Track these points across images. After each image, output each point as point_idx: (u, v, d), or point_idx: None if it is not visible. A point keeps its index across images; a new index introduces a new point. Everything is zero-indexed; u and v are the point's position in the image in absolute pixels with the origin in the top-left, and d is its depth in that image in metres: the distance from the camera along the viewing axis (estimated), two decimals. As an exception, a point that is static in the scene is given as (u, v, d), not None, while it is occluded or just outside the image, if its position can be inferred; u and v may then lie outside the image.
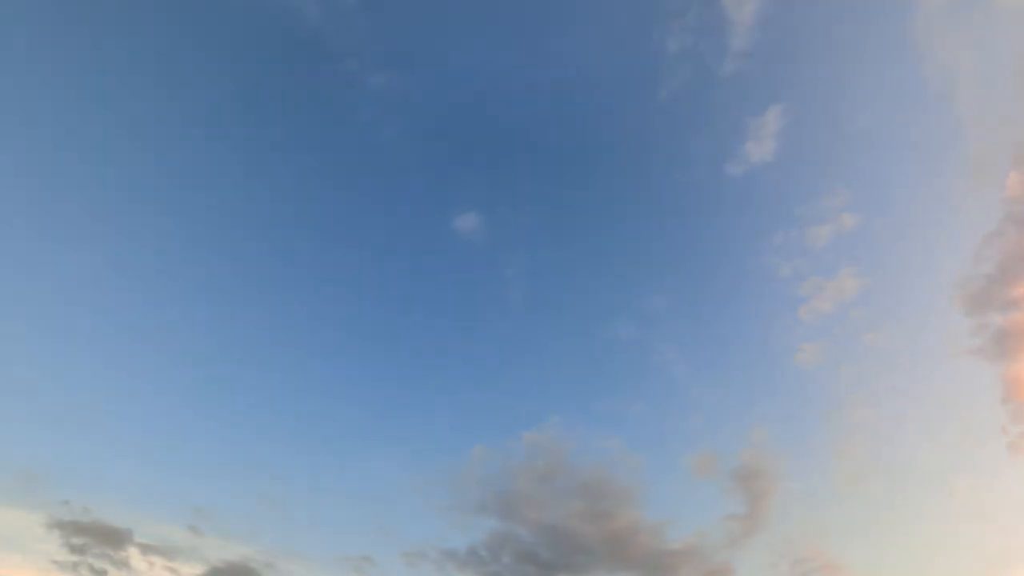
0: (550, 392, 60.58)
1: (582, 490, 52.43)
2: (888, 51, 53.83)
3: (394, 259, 64.58)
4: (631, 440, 55.66)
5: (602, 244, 64.82)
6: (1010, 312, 46.22)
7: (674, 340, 59.86)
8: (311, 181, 62.72)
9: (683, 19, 55.75)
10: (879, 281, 55.70)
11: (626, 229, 64.29)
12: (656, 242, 64.49)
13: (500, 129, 63.30)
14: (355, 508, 54.88)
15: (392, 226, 63.64)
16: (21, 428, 46.04)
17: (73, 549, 43.29)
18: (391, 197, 63.73)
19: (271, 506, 51.98)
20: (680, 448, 56.06)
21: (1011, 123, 47.16)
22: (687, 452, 55.74)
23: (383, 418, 59.23)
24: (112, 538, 44.36)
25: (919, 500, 50.72)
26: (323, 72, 59.45)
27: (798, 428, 57.36)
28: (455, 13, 57.36)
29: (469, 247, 61.45)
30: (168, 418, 53.67)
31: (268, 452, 55.66)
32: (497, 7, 58.28)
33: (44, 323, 50.78)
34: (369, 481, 56.51)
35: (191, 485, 51.07)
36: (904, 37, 52.11)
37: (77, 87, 52.30)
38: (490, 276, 62.96)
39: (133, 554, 44.91)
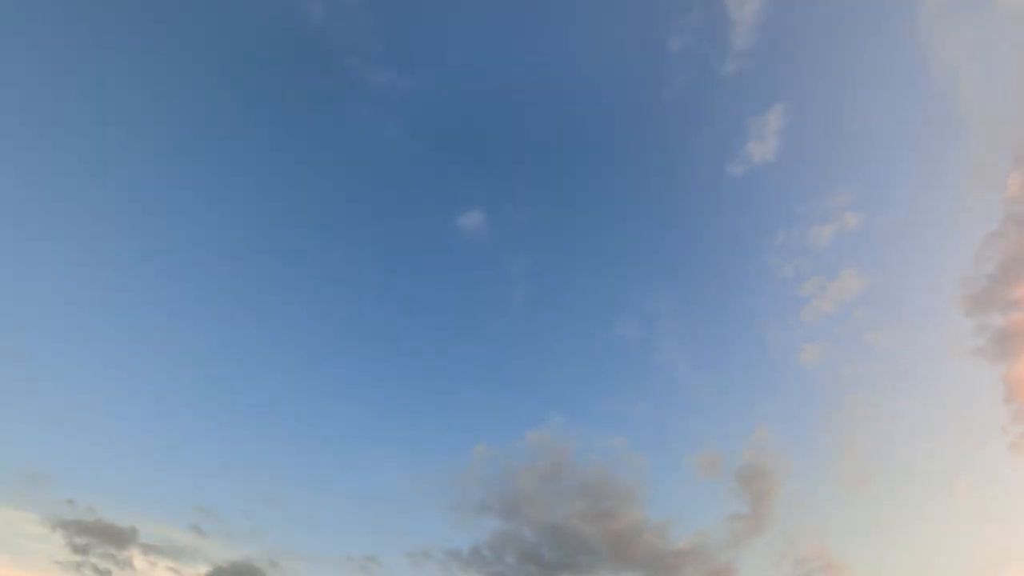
0: (553, 391, 60.78)
1: (585, 490, 52.62)
2: (890, 51, 53.98)
3: (397, 258, 64.72)
4: (634, 440, 55.80)
5: (604, 243, 64.97)
6: (1011, 312, 46.37)
7: (676, 339, 60.10)
8: (313, 180, 62.77)
9: (685, 18, 55.88)
10: (881, 281, 55.90)
11: (628, 228, 64.48)
12: (658, 242, 64.72)
13: (503, 128, 63.41)
14: (359, 508, 55.07)
15: (395, 225, 63.73)
16: (25, 428, 46.18)
17: (76, 549, 43.46)
18: (393, 196, 63.81)
19: (275, 506, 52.09)
20: (683, 448, 56.25)
21: (1013, 123, 47.28)
22: (690, 452, 55.96)
23: (386, 418, 59.45)
24: (116, 538, 44.51)
25: (921, 500, 51.03)
26: (325, 70, 59.44)
27: (800, 428, 57.64)
28: (457, 11, 57.40)
29: (472, 246, 61.58)
30: (171, 418, 53.86)
31: (272, 452, 55.86)
32: (500, 5, 58.35)
33: (47, 324, 50.83)
34: (372, 481, 56.76)
35: (194, 485, 51.23)
36: (906, 37, 52.29)
37: (77, 87, 52.27)
38: (493, 275, 63.13)
39: (136, 554, 45.08)
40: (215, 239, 59.14)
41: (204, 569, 45.98)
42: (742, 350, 61.06)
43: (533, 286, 62.51)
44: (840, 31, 54.25)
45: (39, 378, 48.65)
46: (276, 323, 61.15)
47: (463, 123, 62.67)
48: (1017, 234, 45.90)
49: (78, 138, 52.55)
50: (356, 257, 63.84)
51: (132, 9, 52.61)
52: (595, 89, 60.54)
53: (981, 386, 49.53)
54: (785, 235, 57.91)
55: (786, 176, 58.16)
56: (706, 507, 55.15)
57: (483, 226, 60.32)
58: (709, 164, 60.12)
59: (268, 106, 59.94)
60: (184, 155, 57.04)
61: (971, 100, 50.52)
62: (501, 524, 51.80)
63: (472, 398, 59.93)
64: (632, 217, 64.09)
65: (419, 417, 59.76)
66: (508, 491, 52.78)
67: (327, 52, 57.85)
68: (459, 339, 63.44)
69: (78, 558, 43.19)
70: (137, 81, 54.17)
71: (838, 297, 54.58)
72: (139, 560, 44.98)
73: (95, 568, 43.46)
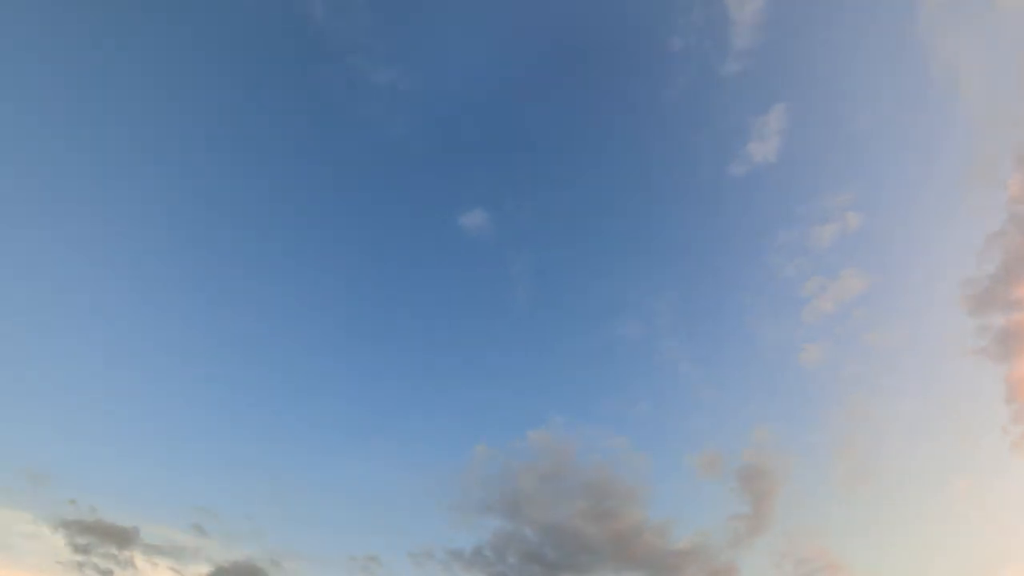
0: (555, 391, 60.77)
1: (587, 489, 52.65)
2: (892, 50, 53.94)
3: (399, 257, 64.67)
4: (635, 439, 55.72)
5: (606, 243, 64.93)
6: (1013, 312, 46.38)
7: (677, 339, 60.04)
8: (315, 178, 62.69)
9: (686, 18, 55.80)
10: (882, 281, 55.83)
11: (629, 228, 64.40)
12: (660, 241, 64.63)
13: (505, 127, 63.38)
14: (360, 507, 55.04)
15: (396, 223, 63.72)
16: (26, 428, 46.22)
17: (77, 549, 43.49)
18: (395, 194, 63.80)
19: (277, 506, 52.15)
20: (684, 447, 56.21)
21: (1015, 123, 47.21)
22: (691, 451, 55.90)
23: (388, 417, 59.37)
24: (117, 538, 44.51)
25: (922, 500, 51.06)
26: (328, 68, 59.22)
27: (801, 428, 57.54)
28: (460, 9, 57.25)
29: (474, 245, 61.49)
30: (173, 418, 53.88)
31: (273, 452, 55.80)
32: (502, 4, 58.31)
33: (48, 324, 50.81)
34: (374, 480, 56.66)
35: (196, 485, 51.29)
36: (908, 36, 52.21)
37: (79, 86, 52.21)
38: (495, 274, 63.06)
39: (138, 554, 45.08)
40: (217, 239, 59.24)
41: (206, 569, 46.08)
42: (743, 350, 61.11)
43: (535, 285, 62.60)
44: (841, 31, 54.25)
45: (40, 378, 48.76)
46: (278, 322, 61.28)
47: (465, 122, 62.78)
48: (1019, 234, 45.94)
49: (80, 137, 52.66)
50: (358, 256, 63.98)
51: (134, 8, 52.67)
52: (597, 89, 60.75)
53: (982, 386, 49.57)
54: (786, 235, 57.94)
55: (787, 176, 58.20)
56: (707, 507, 55.19)
57: (485, 225, 60.38)
58: (710, 164, 60.15)
59: (270, 105, 60.01)
60: (185, 154, 57.11)
61: (972, 99, 50.59)
62: (503, 524, 51.96)
63: (473, 397, 60.09)
64: (633, 217, 64.18)
65: (421, 416, 59.81)
66: (509, 491, 52.93)
67: (329, 51, 57.86)
68: (460, 338, 63.57)
69: (79, 558, 43.30)
70: (139, 80, 54.25)
71: (839, 297, 54.64)
72: (140, 560, 45.11)
73: (96, 568, 43.56)
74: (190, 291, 57.37)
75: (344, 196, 63.54)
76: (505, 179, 64.48)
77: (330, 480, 56.22)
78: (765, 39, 54.57)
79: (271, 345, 60.27)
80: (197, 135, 57.52)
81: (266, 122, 59.99)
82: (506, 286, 62.43)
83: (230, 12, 55.85)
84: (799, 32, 55.28)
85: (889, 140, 56.30)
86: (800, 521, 51.43)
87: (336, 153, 62.28)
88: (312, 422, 58.13)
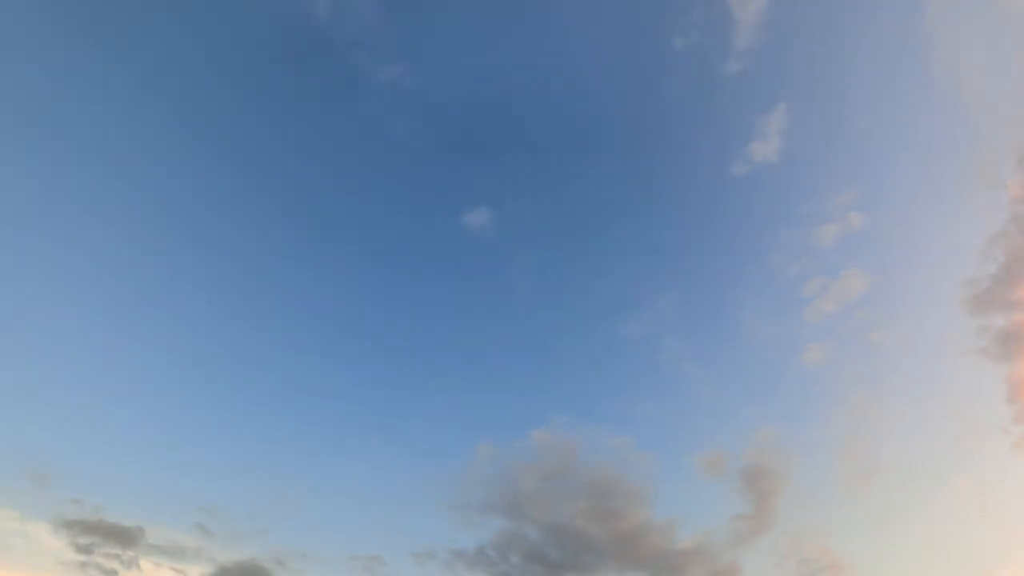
0: (557, 390, 60.68)
1: (590, 489, 52.71)
2: (894, 50, 54.04)
3: (401, 256, 64.40)
4: (638, 439, 55.74)
5: (609, 242, 64.87)
6: (1015, 312, 46.60)
7: (679, 339, 60.12)
8: (317, 177, 62.47)
9: (687, 18, 55.80)
10: (884, 281, 55.97)
11: (632, 228, 64.42)
12: (662, 241, 64.65)
13: (508, 126, 63.26)
14: (363, 508, 54.93)
15: (399, 222, 63.56)
16: (29, 429, 46.02)
17: (81, 549, 43.40)
18: (398, 193, 63.53)
19: (280, 506, 52.02)
20: (687, 447, 56.29)
21: (1017, 124, 47.45)
22: (694, 451, 55.99)
23: (390, 417, 59.29)
24: (121, 538, 44.46)
25: (924, 499, 51.25)
26: (331, 66, 59.03)
27: (803, 428, 57.64)
28: (464, 8, 57.25)
29: (477, 244, 61.34)
30: (176, 418, 53.61)
31: (276, 452, 55.66)
32: (506, 4, 58.19)
33: (50, 324, 50.60)
34: (377, 480, 56.63)
35: (199, 485, 51.10)
36: (910, 36, 52.38)
37: (80, 85, 51.97)
38: (498, 274, 63.03)
39: (141, 554, 45.05)
40: (219, 238, 59.03)
41: (209, 569, 46.04)
42: (744, 350, 61.16)
43: (538, 285, 62.61)
44: (843, 30, 54.36)
45: (43, 378, 48.53)
46: (280, 322, 61.07)
47: (469, 121, 62.53)
48: (1020, 234, 46.14)
49: (81, 136, 52.37)
50: (360, 255, 63.79)
51: (136, 7, 52.45)
52: (599, 88, 60.63)
53: (984, 386, 49.82)
54: (788, 235, 58.10)
55: (789, 176, 58.27)
56: (710, 507, 55.18)
57: (488, 224, 60.27)
58: (712, 164, 60.22)
59: (273, 103, 59.79)
60: (188, 153, 56.86)
61: (974, 100, 50.77)
62: (506, 524, 51.98)
63: (476, 397, 60.05)
64: (635, 217, 64.22)
65: (423, 416, 59.70)
66: (512, 491, 52.95)
67: (333, 49, 57.74)
68: (462, 338, 63.43)
69: (83, 558, 43.19)
70: (141, 78, 53.94)
71: (841, 297, 54.76)
72: (144, 560, 45.08)
73: (100, 568, 43.47)
74: (193, 291, 57.28)
75: (345, 195, 63.56)
76: (507, 179, 64.59)
77: (333, 480, 56.26)
78: (767, 39, 54.75)
79: (273, 345, 60.25)
80: (199, 134, 57.39)
81: (268, 120, 59.95)
82: (508, 285, 62.55)
83: (232, 10, 55.77)
84: (801, 32, 55.49)
85: (891, 140, 56.55)
86: (802, 521, 51.65)
87: (338, 151, 62.31)
88: (315, 422, 58.15)
